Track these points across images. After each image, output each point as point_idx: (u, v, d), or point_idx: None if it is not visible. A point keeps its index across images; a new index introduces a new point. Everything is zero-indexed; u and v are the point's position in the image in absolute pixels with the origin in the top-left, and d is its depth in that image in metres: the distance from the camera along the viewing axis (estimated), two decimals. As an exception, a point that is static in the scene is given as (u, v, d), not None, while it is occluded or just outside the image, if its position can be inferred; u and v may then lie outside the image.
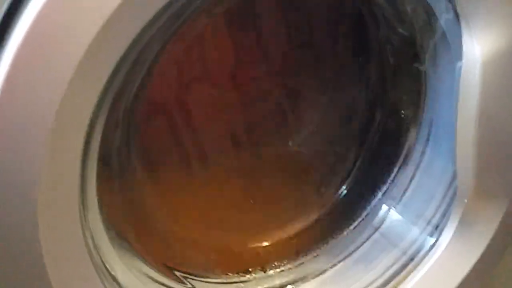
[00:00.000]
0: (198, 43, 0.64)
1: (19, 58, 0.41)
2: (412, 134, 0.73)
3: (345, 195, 0.79)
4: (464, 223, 0.66)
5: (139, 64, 0.52)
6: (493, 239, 0.67)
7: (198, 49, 0.65)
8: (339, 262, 0.74)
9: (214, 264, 0.72)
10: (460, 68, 0.60)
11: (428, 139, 0.72)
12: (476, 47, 0.57)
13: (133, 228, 0.61)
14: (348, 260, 0.73)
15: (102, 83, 0.45)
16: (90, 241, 0.51)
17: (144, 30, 0.44)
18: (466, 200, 0.64)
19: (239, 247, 0.75)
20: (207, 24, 0.63)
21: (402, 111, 0.73)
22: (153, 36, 0.48)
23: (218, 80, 0.69)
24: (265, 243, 0.76)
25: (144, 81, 0.56)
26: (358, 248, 0.74)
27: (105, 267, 0.53)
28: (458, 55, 0.60)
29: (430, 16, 0.63)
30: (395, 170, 0.74)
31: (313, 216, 0.78)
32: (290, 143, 0.77)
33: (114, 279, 0.54)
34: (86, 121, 0.45)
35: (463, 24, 0.58)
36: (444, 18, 0.61)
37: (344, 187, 0.79)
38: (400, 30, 0.68)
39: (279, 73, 0.74)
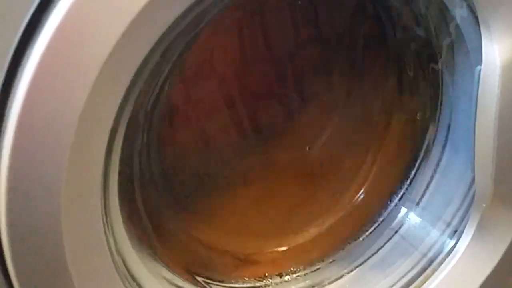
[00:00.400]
0: (221, 45, 0.65)
1: (45, 61, 0.42)
2: (429, 138, 0.73)
3: (362, 199, 0.79)
4: (482, 228, 0.66)
5: (161, 66, 0.52)
6: (511, 245, 0.67)
7: (220, 51, 0.65)
8: (356, 267, 0.73)
9: (231, 269, 0.72)
10: (479, 72, 0.60)
11: (445, 143, 0.72)
12: (496, 52, 0.57)
13: (154, 233, 0.61)
14: (365, 265, 0.73)
15: (125, 86, 0.45)
16: (113, 246, 0.51)
17: (166, 33, 0.44)
18: (484, 205, 0.64)
19: (256, 252, 0.75)
20: (230, 25, 0.64)
21: (419, 114, 0.73)
22: (175, 39, 0.49)
23: (238, 84, 0.69)
24: (282, 248, 0.76)
25: (165, 84, 0.57)
26: (376, 252, 0.74)
27: (128, 272, 0.53)
28: (477, 59, 0.60)
29: (445, 14, 0.63)
30: (412, 173, 0.75)
31: (330, 221, 0.78)
32: (307, 148, 0.77)
33: (137, 283, 0.54)
34: (109, 124, 0.46)
35: (482, 28, 0.58)
36: (459, 16, 0.61)
37: (361, 191, 0.79)
38: (417, 32, 0.68)
39: (297, 78, 0.74)
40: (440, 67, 0.69)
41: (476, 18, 0.59)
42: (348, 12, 0.72)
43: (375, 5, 0.70)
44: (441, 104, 0.71)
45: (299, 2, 0.66)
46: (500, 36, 0.57)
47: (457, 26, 0.63)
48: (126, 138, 0.51)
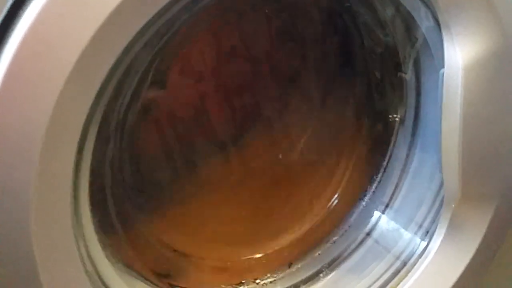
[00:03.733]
0: (189, 54, 0.66)
1: (13, 67, 0.43)
2: (398, 140, 0.75)
3: (336, 204, 0.80)
4: (453, 227, 0.67)
5: (130, 74, 0.53)
6: (482, 242, 0.68)
7: (188, 60, 0.66)
8: (332, 271, 0.74)
9: (207, 276, 0.72)
10: (443, 74, 0.61)
11: (414, 146, 0.73)
12: (458, 54, 0.59)
13: (127, 242, 0.61)
14: (341, 268, 0.74)
15: (94, 92, 0.46)
16: (85, 255, 0.52)
17: (133, 41, 0.45)
18: (453, 205, 0.65)
19: (232, 260, 0.75)
20: (199, 34, 0.65)
21: (388, 118, 0.75)
22: (143, 47, 0.49)
23: (210, 92, 0.70)
24: (258, 255, 0.77)
25: (136, 92, 0.57)
26: (350, 255, 0.75)
27: (101, 281, 0.53)
28: (441, 63, 0.61)
29: (411, 24, 0.65)
30: (380, 175, 0.76)
31: (305, 227, 0.79)
32: (280, 156, 0.78)
33: (107, 288, 0.54)
34: (78, 132, 0.46)
35: (444, 31, 0.59)
36: (424, 26, 0.63)
37: (335, 196, 0.80)
38: (383, 39, 0.70)
39: (269, 86, 0.75)
40: (406, 72, 0.70)
41: (439, 25, 0.60)
42: (316, 21, 0.73)
43: (342, 14, 0.72)
44: (408, 107, 0.72)
45: (266, 11, 0.68)
46: (461, 39, 0.59)
47: (422, 33, 0.65)
48: (96, 146, 0.51)
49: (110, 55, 0.44)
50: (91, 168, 0.51)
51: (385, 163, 0.75)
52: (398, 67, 0.70)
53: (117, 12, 0.43)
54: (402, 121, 0.73)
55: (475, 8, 0.58)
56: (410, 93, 0.71)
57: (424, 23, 0.63)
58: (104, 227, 0.56)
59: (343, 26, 0.73)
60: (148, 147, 0.66)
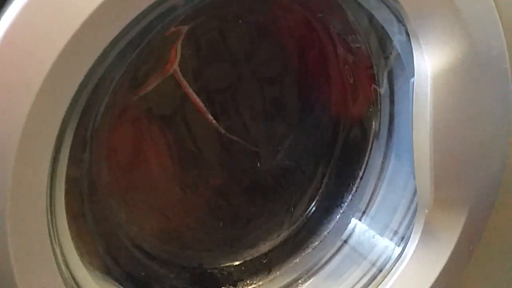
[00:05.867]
0: (162, 64, 0.67)
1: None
2: (371, 148, 0.76)
3: (314, 211, 0.81)
4: (427, 233, 0.68)
5: (104, 83, 0.54)
6: (456, 247, 0.69)
7: (160, 71, 0.68)
8: (310, 277, 0.75)
9: (187, 284, 0.73)
10: (413, 84, 0.63)
11: (389, 154, 0.74)
12: (427, 62, 0.61)
13: (104, 246, 0.62)
14: (319, 275, 0.75)
15: (69, 99, 0.47)
16: (62, 264, 0.52)
17: (106, 50, 0.46)
18: (426, 211, 0.67)
19: (212, 267, 0.76)
20: (170, 46, 0.66)
21: (363, 127, 0.76)
22: (116, 58, 0.51)
23: (187, 97, 0.71)
24: (237, 262, 0.77)
25: (112, 100, 0.58)
26: (328, 262, 0.75)
27: (76, 282, 0.54)
28: (412, 72, 0.63)
29: (384, 37, 0.67)
30: (357, 183, 0.77)
31: (284, 234, 0.80)
32: (258, 164, 0.79)
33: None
34: (53, 138, 0.47)
35: (413, 41, 0.61)
36: (397, 39, 0.65)
37: (313, 203, 0.81)
38: (356, 50, 0.71)
39: (245, 94, 0.76)
40: (381, 85, 0.72)
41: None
42: (289, 30, 0.75)
43: (315, 24, 0.74)
44: (382, 116, 0.74)
45: (240, 21, 0.69)
46: (429, 48, 0.61)
47: (395, 46, 0.66)
48: (72, 153, 0.52)
49: (84, 63, 0.45)
50: (67, 175, 0.52)
51: (361, 171, 0.77)
52: (372, 78, 0.72)
53: (91, 20, 0.44)
54: (377, 130, 0.75)
55: (443, 18, 0.59)
56: (384, 102, 0.72)
57: (397, 37, 0.64)
58: (80, 234, 0.57)
59: (316, 36, 0.74)
60: (124, 153, 0.67)
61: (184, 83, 0.68)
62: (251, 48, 0.74)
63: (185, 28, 0.65)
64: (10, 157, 0.45)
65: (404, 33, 0.63)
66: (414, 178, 0.67)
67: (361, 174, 0.77)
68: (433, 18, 0.59)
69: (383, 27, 0.65)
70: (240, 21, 0.70)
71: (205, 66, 0.71)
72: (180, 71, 0.68)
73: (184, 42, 0.67)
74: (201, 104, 0.71)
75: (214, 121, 0.74)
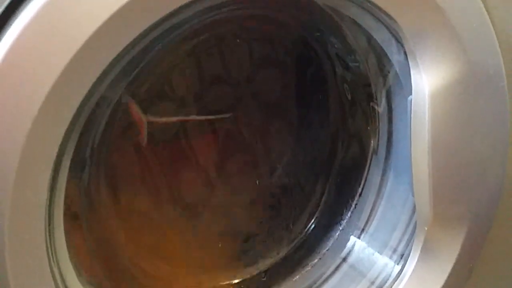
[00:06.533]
0: (163, 83, 0.68)
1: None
2: (370, 165, 0.76)
3: (313, 228, 0.81)
4: (426, 250, 0.68)
5: (103, 104, 0.54)
6: (456, 264, 0.69)
7: (162, 89, 0.68)
8: (310, 295, 0.75)
9: (186, 302, 0.73)
10: (411, 101, 0.63)
11: (387, 171, 0.75)
12: (424, 81, 0.61)
13: (102, 265, 0.62)
14: (318, 293, 0.75)
15: (68, 120, 0.47)
16: (58, 276, 0.52)
17: (105, 71, 0.46)
18: (426, 228, 0.67)
19: (211, 285, 0.76)
20: (170, 65, 0.67)
21: (362, 144, 0.76)
22: (116, 78, 0.51)
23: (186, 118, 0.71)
24: (236, 280, 0.77)
25: (110, 120, 0.59)
26: (327, 280, 0.75)
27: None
28: (410, 90, 0.64)
29: (382, 57, 0.67)
30: (355, 199, 0.77)
31: (283, 252, 0.80)
32: (257, 181, 0.80)
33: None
34: (52, 158, 0.47)
35: (410, 59, 0.62)
36: (395, 59, 0.65)
37: (312, 221, 0.81)
38: (354, 69, 0.72)
39: (245, 113, 0.77)
40: (379, 103, 0.72)
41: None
42: (287, 49, 0.76)
43: (313, 43, 0.74)
44: (380, 133, 0.74)
45: (238, 41, 0.70)
46: (427, 67, 0.61)
47: (393, 66, 0.67)
48: (71, 173, 0.53)
49: (83, 84, 0.46)
50: (66, 195, 0.52)
51: (360, 188, 0.77)
52: (370, 97, 0.72)
53: (88, 44, 0.44)
54: (375, 147, 0.75)
55: (440, 37, 0.60)
56: (382, 120, 0.73)
57: (395, 56, 0.65)
58: (79, 253, 0.57)
59: (314, 54, 0.75)
60: (123, 174, 0.67)
61: (184, 101, 0.68)
62: (249, 67, 0.74)
63: (182, 48, 0.66)
64: (9, 179, 0.45)
65: (403, 53, 0.63)
66: (413, 195, 0.67)
67: (360, 190, 0.77)
68: (430, 37, 0.60)
69: (381, 47, 0.65)
70: (237, 40, 0.70)
71: (204, 85, 0.72)
72: (179, 91, 0.68)
73: (183, 61, 0.68)
74: (200, 122, 0.72)
75: (213, 139, 0.74)
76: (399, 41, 0.61)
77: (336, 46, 0.71)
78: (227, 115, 0.74)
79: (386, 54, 0.65)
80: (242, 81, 0.75)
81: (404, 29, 0.59)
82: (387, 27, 0.61)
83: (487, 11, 0.62)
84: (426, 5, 0.58)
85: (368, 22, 0.62)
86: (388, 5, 0.58)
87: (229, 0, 0.54)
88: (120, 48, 0.47)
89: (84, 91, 0.46)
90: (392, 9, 0.58)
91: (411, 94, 0.64)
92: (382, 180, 0.75)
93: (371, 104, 0.72)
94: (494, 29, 0.63)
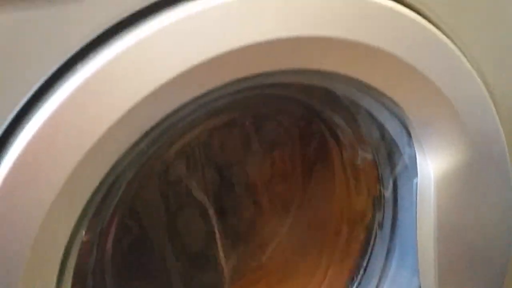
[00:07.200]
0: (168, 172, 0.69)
1: (3, 188, 0.45)
2: (375, 244, 0.76)
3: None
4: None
5: (112, 192, 0.55)
6: None
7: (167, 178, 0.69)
8: None
9: None
10: (416, 185, 0.64)
11: (392, 250, 0.75)
12: (430, 167, 0.62)
13: None
14: None
15: (79, 211, 0.48)
16: None
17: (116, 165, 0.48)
18: (432, 310, 0.66)
19: None
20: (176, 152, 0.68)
21: (366, 223, 0.77)
22: (124, 169, 0.52)
23: (188, 201, 0.72)
24: None
25: (117, 207, 0.59)
26: None
27: None
28: (414, 172, 0.64)
29: (393, 148, 0.68)
30: (359, 278, 0.77)
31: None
32: (263, 258, 0.80)
33: None
34: (63, 246, 0.48)
35: (417, 146, 0.63)
36: (406, 151, 0.66)
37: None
38: (363, 156, 0.73)
39: (252, 189, 0.77)
40: (386, 187, 0.73)
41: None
42: (296, 130, 0.77)
43: (327, 132, 0.76)
44: (386, 212, 0.74)
45: (247, 123, 0.71)
46: (433, 154, 0.62)
47: (403, 158, 0.67)
48: (80, 257, 0.53)
49: (94, 179, 0.47)
50: (73, 280, 0.52)
51: (364, 265, 0.77)
52: (377, 180, 0.73)
53: (101, 141, 0.46)
54: (380, 226, 0.75)
55: (445, 124, 0.61)
56: (387, 201, 0.73)
57: (406, 150, 0.66)
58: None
59: (324, 140, 0.76)
60: (129, 258, 0.68)
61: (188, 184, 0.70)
62: (255, 146, 0.76)
63: (188, 137, 0.67)
64: (19, 268, 0.46)
65: (413, 146, 0.64)
66: (418, 277, 0.67)
67: (364, 267, 0.77)
68: (436, 124, 0.61)
69: (393, 139, 0.66)
70: (247, 123, 0.72)
71: (213, 166, 0.73)
72: (184, 174, 0.70)
73: (188, 149, 0.69)
74: (205, 203, 0.72)
75: (215, 218, 0.75)
76: (410, 134, 0.63)
77: (348, 135, 0.72)
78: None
79: (397, 147, 0.66)
80: (248, 160, 0.77)
81: (411, 117, 0.60)
82: (398, 119, 0.62)
83: (492, 99, 0.64)
84: (432, 94, 0.59)
85: (381, 114, 0.63)
86: (396, 94, 0.59)
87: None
88: (128, 145, 0.48)
89: (95, 184, 0.47)
90: (399, 98, 0.59)
91: (416, 175, 0.65)
92: (386, 259, 0.75)
93: (379, 187, 0.73)
94: (499, 116, 0.64)
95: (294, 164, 0.79)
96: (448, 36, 0.60)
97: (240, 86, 0.52)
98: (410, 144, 0.63)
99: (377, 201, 0.74)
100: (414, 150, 0.63)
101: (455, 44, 0.60)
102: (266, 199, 0.78)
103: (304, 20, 0.51)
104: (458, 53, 0.60)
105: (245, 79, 0.50)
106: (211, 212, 0.73)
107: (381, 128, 0.66)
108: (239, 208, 0.78)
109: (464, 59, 0.61)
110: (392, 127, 0.64)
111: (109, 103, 0.46)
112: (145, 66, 0.46)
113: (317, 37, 0.51)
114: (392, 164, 0.69)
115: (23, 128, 0.45)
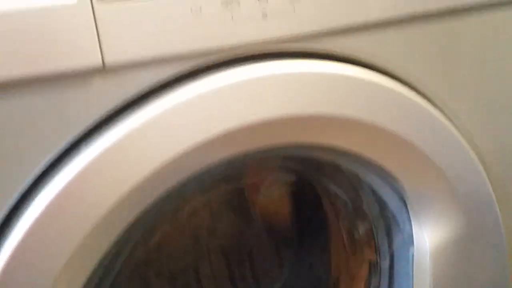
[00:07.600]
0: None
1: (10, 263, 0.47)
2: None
3: None
4: None
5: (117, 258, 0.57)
6: None
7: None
8: None
9: None
10: (413, 254, 0.65)
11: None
12: (426, 238, 0.63)
13: None
14: None
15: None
16: None
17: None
18: None
19: None
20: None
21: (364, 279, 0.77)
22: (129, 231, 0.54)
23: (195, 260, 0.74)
24: None
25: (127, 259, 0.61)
26: None
27: None
28: (410, 238, 0.65)
29: (392, 224, 0.69)
30: None
31: None
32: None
33: None
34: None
35: (413, 217, 0.64)
36: (406, 229, 0.67)
37: None
38: (360, 225, 0.74)
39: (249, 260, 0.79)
40: (384, 258, 0.74)
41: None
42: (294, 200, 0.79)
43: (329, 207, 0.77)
44: (382, 276, 0.75)
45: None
46: (429, 228, 0.63)
47: (401, 234, 0.69)
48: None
49: (94, 258, 0.49)
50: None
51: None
52: (374, 250, 0.74)
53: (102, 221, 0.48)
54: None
55: (439, 195, 0.62)
56: (383, 267, 0.74)
57: (407, 227, 0.67)
58: None
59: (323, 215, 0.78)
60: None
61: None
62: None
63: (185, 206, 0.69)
64: None
65: (411, 221, 0.66)
66: None
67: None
68: (430, 195, 0.62)
69: (394, 216, 0.67)
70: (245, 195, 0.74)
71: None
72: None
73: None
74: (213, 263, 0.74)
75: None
76: (408, 211, 0.64)
77: (348, 210, 0.73)
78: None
79: (397, 223, 0.68)
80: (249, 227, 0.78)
81: (406, 187, 0.62)
82: (397, 194, 0.63)
83: (482, 165, 0.65)
84: (426, 166, 0.61)
85: (381, 188, 0.65)
86: (392, 166, 0.60)
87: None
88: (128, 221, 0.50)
89: (94, 261, 0.49)
90: (395, 169, 0.61)
91: (410, 241, 0.66)
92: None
93: (376, 256, 0.74)
94: (491, 184, 0.66)
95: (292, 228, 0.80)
96: (440, 110, 0.62)
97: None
98: (410, 219, 0.65)
99: (373, 267, 0.75)
100: (410, 225, 0.64)
101: (446, 116, 0.62)
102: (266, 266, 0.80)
103: (310, 99, 0.53)
104: (449, 124, 0.62)
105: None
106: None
107: (381, 205, 0.67)
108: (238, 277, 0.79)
109: (454, 130, 0.62)
110: (393, 204, 0.66)
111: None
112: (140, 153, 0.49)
113: (324, 116, 0.54)
114: (390, 238, 0.70)
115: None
